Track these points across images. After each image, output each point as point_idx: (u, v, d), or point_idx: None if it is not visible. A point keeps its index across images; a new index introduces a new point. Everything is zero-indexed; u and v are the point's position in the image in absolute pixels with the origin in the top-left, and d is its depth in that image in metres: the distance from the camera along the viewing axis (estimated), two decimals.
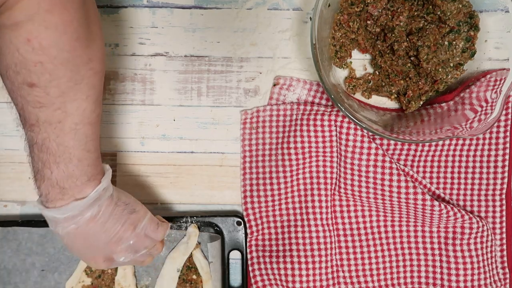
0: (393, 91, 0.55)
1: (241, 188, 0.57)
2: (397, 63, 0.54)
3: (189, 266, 0.56)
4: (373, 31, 0.54)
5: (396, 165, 0.53)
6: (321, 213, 0.55)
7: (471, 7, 0.53)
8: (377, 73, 0.56)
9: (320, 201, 0.55)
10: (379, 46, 0.55)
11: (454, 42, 0.52)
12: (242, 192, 0.56)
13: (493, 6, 0.53)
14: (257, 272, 0.55)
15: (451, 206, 0.54)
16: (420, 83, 0.54)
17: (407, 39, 0.53)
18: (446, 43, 0.52)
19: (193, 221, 0.55)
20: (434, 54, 0.52)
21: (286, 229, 0.55)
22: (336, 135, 0.54)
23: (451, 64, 0.53)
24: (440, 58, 0.52)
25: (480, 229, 0.54)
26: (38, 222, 0.55)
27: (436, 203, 0.53)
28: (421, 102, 0.55)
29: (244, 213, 0.56)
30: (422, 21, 0.53)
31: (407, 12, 0.53)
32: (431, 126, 0.52)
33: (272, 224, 0.56)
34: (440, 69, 0.52)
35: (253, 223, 0.56)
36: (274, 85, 0.57)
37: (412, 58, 0.53)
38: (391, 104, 0.57)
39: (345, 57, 0.55)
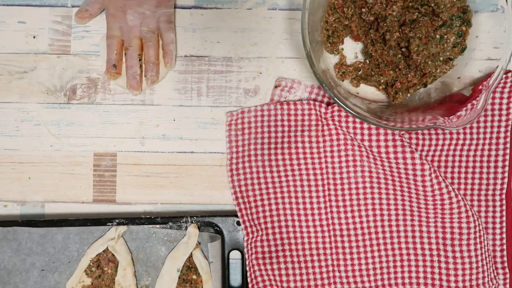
0: (382, 81, 0.55)
1: (230, 190, 0.56)
2: (387, 53, 0.54)
3: (189, 266, 0.56)
4: (367, 19, 0.54)
5: (403, 154, 0.53)
6: (312, 214, 0.55)
7: (465, 1, 0.52)
8: (368, 61, 0.56)
9: (311, 202, 0.55)
10: (371, 35, 0.54)
11: (446, 36, 0.52)
12: (232, 194, 0.56)
13: (487, 5, 0.53)
14: (257, 273, 0.55)
15: (457, 196, 0.53)
16: (409, 75, 0.54)
17: (400, 29, 0.53)
18: (437, 36, 0.52)
19: (193, 221, 0.55)
20: (424, 46, 0.52)
21: (277, 230, 0.55)
22: (329, 133, 0.55)
23: (441, 58, 0.53)
24: (430, 51, 0.52)
25: (478, 228, 0.54)
26: (38, 222, 0.55)
27: (445, 190, 0.52)
28: (409, 95, 0.55)
29: (239, 215, 0.56)
30: (416, 13, 0.52)
31: (402, 2, 0.53)
32: (417, 116, 0.51)
33: (264, 226, 0.55)
34: (429, 62, 0.52)
35: (247, 224, 0.56)
36: (276, 86, 0.57)
37: (403, 49, 0.53)
38: (378, 94, 0.57)
39: (337, 43, 0.55)
